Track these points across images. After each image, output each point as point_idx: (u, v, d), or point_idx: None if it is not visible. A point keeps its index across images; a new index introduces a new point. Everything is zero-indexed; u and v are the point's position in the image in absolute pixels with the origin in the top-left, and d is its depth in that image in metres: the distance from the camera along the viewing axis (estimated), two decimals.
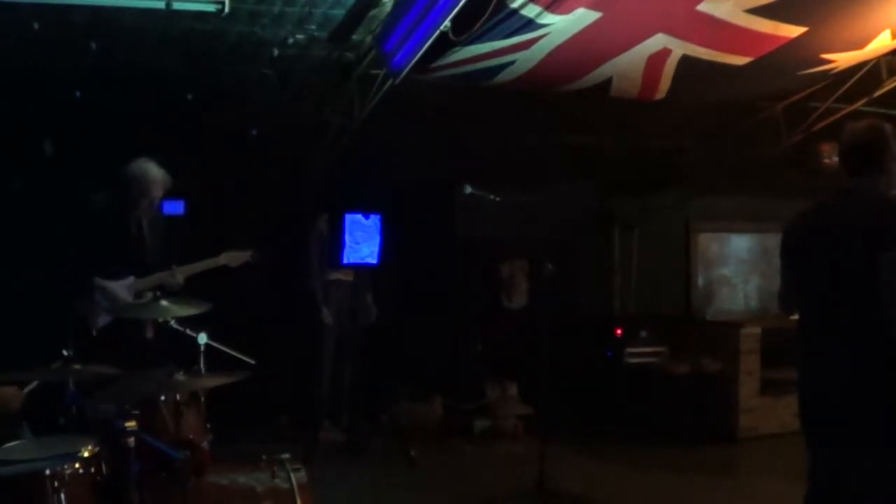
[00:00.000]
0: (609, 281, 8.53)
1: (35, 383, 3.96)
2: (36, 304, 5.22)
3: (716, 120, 6.94)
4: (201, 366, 3.90)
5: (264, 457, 3.79)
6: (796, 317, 3.42)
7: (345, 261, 6.40)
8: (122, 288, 4.93)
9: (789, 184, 6.99)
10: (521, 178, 7.13)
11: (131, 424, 3.22)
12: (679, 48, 4.98)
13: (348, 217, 6.30)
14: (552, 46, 4.75)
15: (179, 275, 5.05)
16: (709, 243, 8.55)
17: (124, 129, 6.17)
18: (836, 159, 4.16)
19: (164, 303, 3.96)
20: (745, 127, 7.00)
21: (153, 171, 5.02)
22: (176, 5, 4.39)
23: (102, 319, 4.91)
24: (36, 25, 4.64)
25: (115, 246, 4.99)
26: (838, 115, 6.42)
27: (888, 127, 3.27)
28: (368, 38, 4.99)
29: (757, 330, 7.18)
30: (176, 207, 7.33)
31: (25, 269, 5.85)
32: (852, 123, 3.40)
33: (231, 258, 5.26)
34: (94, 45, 4.97)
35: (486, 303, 7.97)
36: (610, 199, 8.38)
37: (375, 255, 6.37)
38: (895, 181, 3.21)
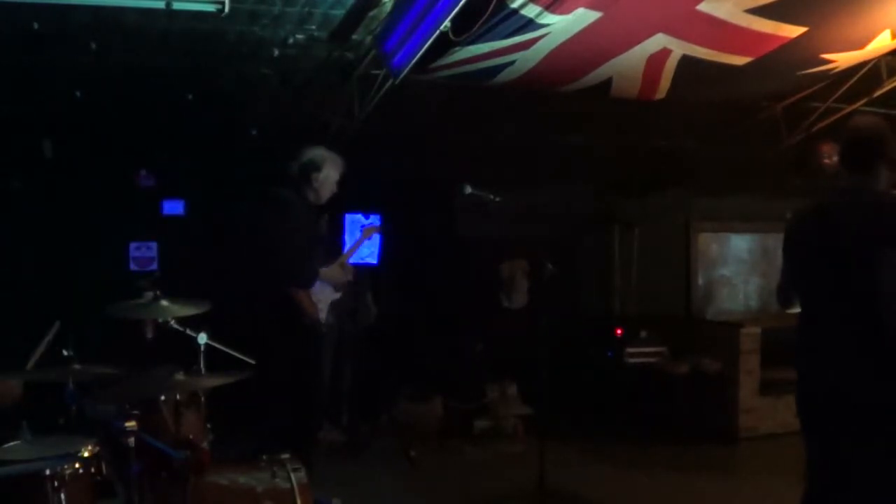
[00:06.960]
0: (609, 281, 8.53)
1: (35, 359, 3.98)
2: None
3: (716, 120, 6.94)
4: (201, 366, 3.89)
5: (264, 457, 3.78)
6: (794, 310, 3.43)
7: None
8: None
9: (789, 184, 6.99)
10: (521, 178, 7.12)
11: (131, 424, 3.22)
12: (679, 48, 4.98)
13: (348, 217, 6.29)
14: (552, 46, 4.75)
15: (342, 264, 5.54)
16: (709, 243, 8.54)
17: (124, 130, 6.17)
18: (836, 159, 4.18)
19: (164, 303, 3.95)
20: (745, 127, 7.00)
21: (337, 159, 5.16)
22: (176, 5, 4.39)
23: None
24: (36, 25, 4.64)
25: (318, 236, 5.28)
26: (838, 115, 6.42)
27: (888, 126, 3.28)
28: (368, 38, 4.99)
29: (757, 330, 7.18)
30: (176, 207, 7.35)
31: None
32: (854, 120, 3.41)
33: (367, 231, 5.92)
34: (94, 45, 4.97)
35: (486, 303, 7.96)
36: (610, 199, 8.37)
37: (375, 255, 6.36)
38: (893, 180, 3.22)
